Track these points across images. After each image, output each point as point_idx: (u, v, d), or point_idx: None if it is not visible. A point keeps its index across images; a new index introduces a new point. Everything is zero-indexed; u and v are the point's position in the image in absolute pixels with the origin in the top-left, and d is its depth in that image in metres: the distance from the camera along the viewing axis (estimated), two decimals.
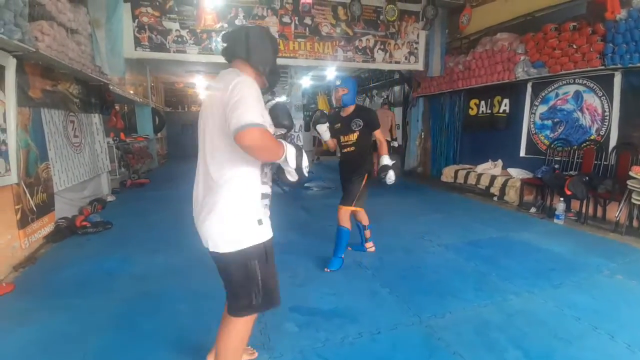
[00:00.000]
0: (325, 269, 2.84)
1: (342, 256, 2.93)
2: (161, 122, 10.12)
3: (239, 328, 1.41)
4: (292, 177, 1.38)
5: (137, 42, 5.16)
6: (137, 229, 4.06)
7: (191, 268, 2.89)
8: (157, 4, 5.14)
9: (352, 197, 2.86)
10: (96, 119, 5.30)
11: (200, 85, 12.58)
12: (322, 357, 1.80)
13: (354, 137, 2.88)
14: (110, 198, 5.35)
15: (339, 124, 2.94)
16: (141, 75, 9.19)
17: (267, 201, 1.40)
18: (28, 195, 3.13)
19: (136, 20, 5.11)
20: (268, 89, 1.52)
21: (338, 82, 2.85)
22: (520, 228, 4.11)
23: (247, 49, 1.36)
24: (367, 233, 3.23)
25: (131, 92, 7.98)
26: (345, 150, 2.97)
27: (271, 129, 1.36)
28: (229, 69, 1.35)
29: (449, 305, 2.31)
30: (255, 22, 5.58)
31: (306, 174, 1.39)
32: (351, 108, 2.91)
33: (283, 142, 1.30)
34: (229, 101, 1.16)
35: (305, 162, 1.36)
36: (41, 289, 2.59)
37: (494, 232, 3.93)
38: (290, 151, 1.31)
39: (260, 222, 1.33)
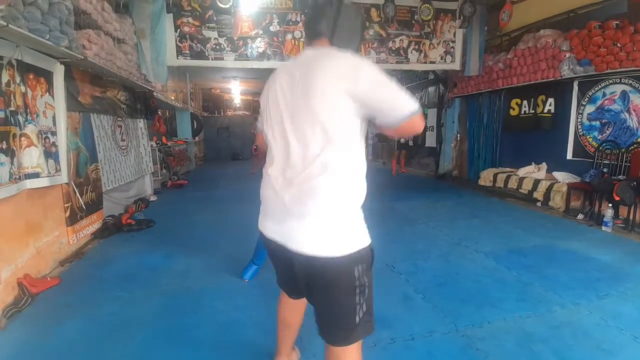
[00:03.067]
0: None
1: None
2: (199, 126, 10.57)
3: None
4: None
5: (179, 51, 5.43)
6: (178, 227, 4.25)
7: (228, 266, 2.98)
8: (197, 14, 5.38)
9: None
10: (141, 123, 5.63)
11: (235, 90, 13.00)
12: None
13: None
14: (152, 198, 5.65)
15: None
16: (181, 82, 9.66)
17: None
18: (77, 194, 3.38)
19: (178, 30, 5.38)
20: None
21: None
22: (566, 235, 3.85)
23: (334, 26, 1.14)
24: None
25: (172, 98, 8.41)
26: None
27: None
28: (316, 50, 1.14)
29: (487, 315, 2.21)
30: (289, 28, 5.69)
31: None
32: None
33: None
34: (371, 91, 1.01)
35: None
36: (87, 282, 2.77)
37: (538, 240, 3.71)
38: None
39: (363, 219, 1.12)
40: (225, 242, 3.67)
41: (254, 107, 15.66)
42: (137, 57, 5.07)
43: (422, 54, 6.30)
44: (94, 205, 3.78)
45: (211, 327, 2.10)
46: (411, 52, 6.26)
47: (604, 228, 4.08)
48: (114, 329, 2.10)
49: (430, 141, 8.78)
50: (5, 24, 2.11)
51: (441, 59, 6.42)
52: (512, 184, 5.57)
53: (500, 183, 5.85)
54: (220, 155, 12.83)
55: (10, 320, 2.17)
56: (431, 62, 6.41)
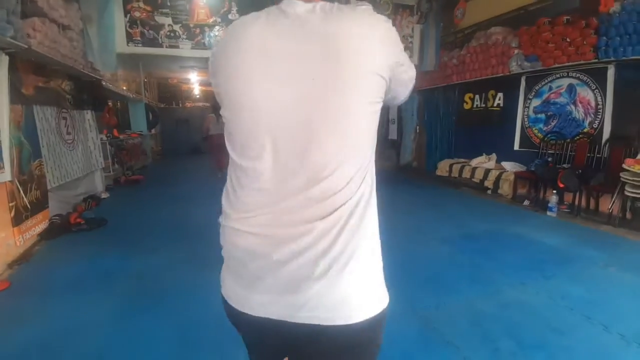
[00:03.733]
0: None
1: None
2: (155, 118, 10.06)
3: None
4: None
5: (129, 38, 5.11)
6: (132, 225, 4.04)
7: (187, 265, 2.90)
8: None
9: None
10: (89, 115, 5.25)
11: (194, 80, 12.50)
12: None
13: None
14: (104, 195, 5.32)
15: None
16: (134, 71, 9.11)
17: None
18: (22, 192, 3.11)
19: (128, 15, 5.05)
20: None
21: None
22: (513, 221, 4.15)
23: None
24: None
25: (124, 88, 7.92)
26: None
27: None
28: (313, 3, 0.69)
29: (443, 297, 2.34)
30: None
31: None
32: None
33: None
34: (394, 53, 0.69)
35: None
36: (37, 286, 2.59)
37: (488, 225, 3.97)
38: None
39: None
40: (184, 240, 3.55)
41: (212, 98, 15.18)
42: (84, 44, 4.70)
43: None
44: (39, 204, 3.51)
45: (172, 326, 2.04)
46: None
47: (549, 213, 4.44)
48: (68, 333, 1.98)
49: (392, 134, 9.02)
50: None
51: None
52: (466, 173, 5.89)
53: (455, 173, 6.16)
54: (179, 149, 12.29)
55: None
56: None
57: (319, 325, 0.69)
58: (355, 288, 0.70)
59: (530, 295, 2.39)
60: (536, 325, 2.03)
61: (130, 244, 3.43)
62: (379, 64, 0.67)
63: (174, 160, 10.59)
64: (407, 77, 0.77)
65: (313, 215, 0.67)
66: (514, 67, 5.28)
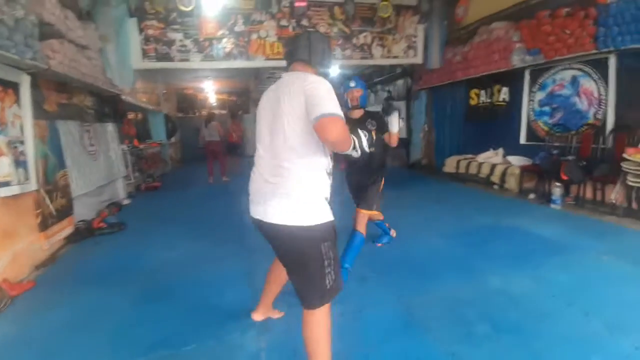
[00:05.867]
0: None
1: (349, 267, 2.68)
2: (174, 127, 10.54)
3: (322, 320, 1.45)
4: (356, 154, 1.56)
5: (144, 54, 5.50)
6: (149, 228, 4.37)
7: (199, 262, 3.16)
8: (161, 16, 5.45)
9: (373, 200, 2.83)
10: (110, 127, 5.66)
11: (209, 89, 12.96)
12: None
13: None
14: (126, 201, 5.71)
15: (351, 126, 2.94)
16: (153, 83, 9.62)
17: (330, 180, 1.52)
18: (48, 200, 3.45)
19: (143, 33, 5.44)
20: None
21: (353, 84, 2.79)
22: (515, 214, 4.18)
23: (310, 52, 1.52)
24: (386, 224, 3.42)
25: (144, 100, 8.39)
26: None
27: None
28: (295, 72, 1.51)
29: (429, 286, 2.46)
30: (254, 28, 5.82)
31: (367, 150, 1.60)
32: (362, 110, 2.86)
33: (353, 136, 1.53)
34: (311, 97, 1.30)
35: (367, 143, 1.59)
36: (62, 282, 2.91)
37: (489, 219, 4.02)
38: (363, 138, 1.57)
39: (327, 199, 1.46)
40: (197, 240, 3.82)
41: (229, 106, 15.63)
42: (102, 62, 5.11)
43: (386, 49, 6.55)
44: (65, 211, 3.84)
45: (184, 311, 2.29)
46: (375, 48, 6.50)
47: (552, 206, 4.43)
48: (90, 316, 2.30)
49: (401, 132, 9.06)
50: None
51: (404, 53, 6.68)
52: (473, 169, 5.91)
53: (462, 169, 6.19)
54: (197, 156, 12.79)
55: None
56: (394, 57, 6.67)
57: (277, 224, 1.41)
58: (293, 207, 1.39)
59: (514, 283, 2.46)
60: (514, 311, 2.12)
61: (146, 244, 3.73)
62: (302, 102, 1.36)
63: (191, 166, 11.05)
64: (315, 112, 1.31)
65: (275, 173, 1.43)
66: (516, 61, 5.29)
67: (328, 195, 1.50)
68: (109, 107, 5.65)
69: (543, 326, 1.97)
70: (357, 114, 2.87)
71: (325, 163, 1.48)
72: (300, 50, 1.53)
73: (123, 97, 6.04)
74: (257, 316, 2.10)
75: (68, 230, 3.85)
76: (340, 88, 2.81)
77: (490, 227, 3.76)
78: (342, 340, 1.85)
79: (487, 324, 2.00)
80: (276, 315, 2.16)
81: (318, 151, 1.42)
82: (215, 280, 2.77)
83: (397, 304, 2.24)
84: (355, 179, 2.97)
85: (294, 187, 1.39)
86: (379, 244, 3.35)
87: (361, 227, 2.77)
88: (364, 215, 2.81)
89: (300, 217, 1.38)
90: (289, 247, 1.45)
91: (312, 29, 5.04)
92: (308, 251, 1.40)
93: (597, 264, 2.76)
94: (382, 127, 2.73)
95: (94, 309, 2.41)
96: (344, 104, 2.95)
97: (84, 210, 4.32)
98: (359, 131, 1.58)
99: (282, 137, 1.39)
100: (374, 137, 2.71)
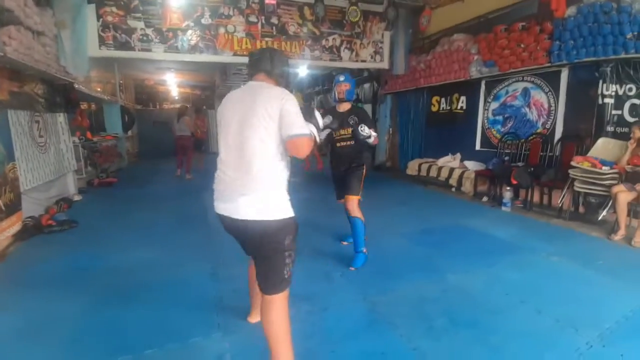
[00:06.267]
0: (350, 268, 2.86)
1: (365, 250, 2.97)
2: (131, 120, 10.00)
3: (281, 304, 1.58)
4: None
5: (102, 41, 5.17)
6: (103, 226, 4.13)
7: (158, 262, 3.03)
8: (122, 3, 5.16)
9: (358, 186, 3.05)
10: (61, 118, 5.27)
11: (171, 82, 12.45)
12: None
13: (349, 130, 2.98)
14: (76, 197, 5.34)
15: (336, 118, 2.97)
16: (109, 73, 9.06)
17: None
18: None
19: (100, 20, 5.12)
20: None
21: (342, 78, 2.99)
22: (470, 216, 4.45)
23: (272, 65, 1.70)
24: None
25: (98, 90, 7.89)
26: (342, 144, 3.06)
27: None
28: (259, 82, 1.68)
29: (392, 285, 2.57)
30: (221, 22, 5.69)
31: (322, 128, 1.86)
32: (348, 105, 3.05)
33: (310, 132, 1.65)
34: (287, 114, 1.49)
35: (321, 126, 1.79)
36: (12, 281, 2.70)
37: (447, 220, 4.26)
38: (317, 134, 1.72)
39: (289, 199, 1.61)
40: (156, 240, 3.68)
41: (193, 100, 15.12)
42: (57, 49, 4.75)
43: (354, 53, 6.68)
44: (13, 206, 3.59)
45: (149, 315, 2.19)
46: (343, 51, 6.60)
47: (503, 208, 4.78)
48: (43, 325, 2.12)
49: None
50: None
51: (371, 58, 6.86)
52: (433, 172, 6.21)
53: (423, 172, 6.48)
54: (156, 151, 12.23)
55: None
56: (362, 61, 6.82)
57: (248, 219, 1.52)
58: (264, 204, 1.51)
59: (470, 281, 2.64)
60: (471, 307, 2.27)
61: (99, 243, 3.52)
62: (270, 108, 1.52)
63: (150, 162, 10.54)
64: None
65: (245, 171, 1.53)
66: (474, 72, 5.63)
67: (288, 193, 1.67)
68: (61, 96, 5.26)
69: (498, 322, 2.10)
70: (344, 107, 3.06)
71: (288, 162, 1.65)
72: (264, 62, 1.70)
73: (76, 85, 5.65)
74: (254, 319, 2.07)
75: (16, 227, 3.56)
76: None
77: (448, 228, 3.98)
78: (308, 337, 1.89)
79: (446, 318, 2.13)
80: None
81: (285, 152, 1.60)
82: (177, 281, 2.67)
83: (363, 302, 2.32)
84: (336, 167, 3.20)
85: (264, 184, 1.52)
86: (345, 243, 3.43)
87: (356, 213, 2.97)
88: (353, 201, 3.00)
89: (270, 212, 1.52)
90: (258, 240, 1.56)
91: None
92: (274, 244, 1.54)
93: (547, 264, 2.97)
94: (364, 122, 2.92)
95: (45, 313, 2.23)
96: (332, 97, 3.14)
97: (32, 206, 4.00)
98: (317, 117, 1.74)
99: (258, 138, 1.51)
100: (357, 130, 2.91)
